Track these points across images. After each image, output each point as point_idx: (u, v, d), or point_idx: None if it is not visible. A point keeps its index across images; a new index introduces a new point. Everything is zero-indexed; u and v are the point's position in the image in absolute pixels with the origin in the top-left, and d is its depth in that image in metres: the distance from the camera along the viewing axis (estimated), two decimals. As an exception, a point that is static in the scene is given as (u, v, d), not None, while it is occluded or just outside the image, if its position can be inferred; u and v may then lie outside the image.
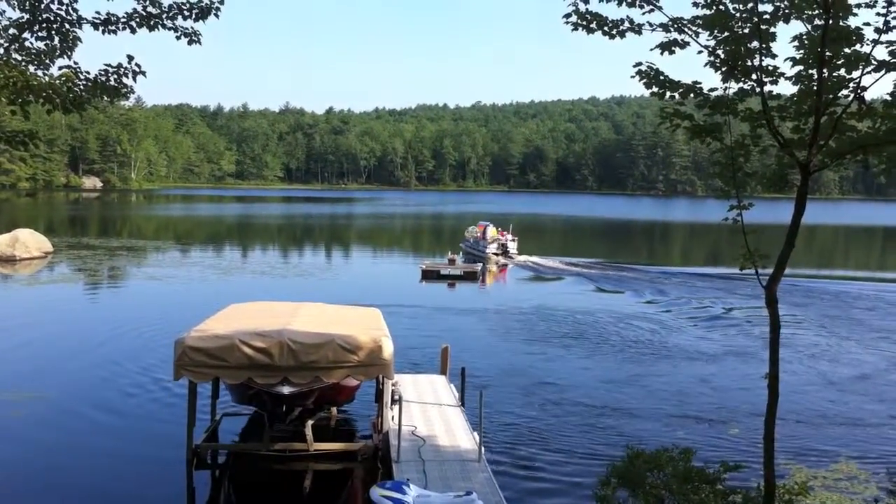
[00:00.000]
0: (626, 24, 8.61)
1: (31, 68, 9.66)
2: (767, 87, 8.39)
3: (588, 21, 8.69)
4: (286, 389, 14.58)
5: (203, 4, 9.97)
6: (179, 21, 9.99)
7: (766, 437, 8.59)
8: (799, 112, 8.45)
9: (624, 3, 8.56)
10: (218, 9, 10.04)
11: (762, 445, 8.67)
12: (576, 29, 8.80)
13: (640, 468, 9.53)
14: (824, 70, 7.91)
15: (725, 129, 8.77)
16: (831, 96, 8.10)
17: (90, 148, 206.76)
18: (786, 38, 8.30)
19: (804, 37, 8.09)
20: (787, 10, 8.03)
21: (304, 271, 48.55)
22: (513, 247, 57.67)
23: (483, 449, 14.79)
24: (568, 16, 8.74)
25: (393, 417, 16.04)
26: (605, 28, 8.66)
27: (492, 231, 58.78)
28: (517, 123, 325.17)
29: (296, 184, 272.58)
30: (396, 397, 16.18)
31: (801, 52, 8.17)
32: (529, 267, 52.29)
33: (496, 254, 56.14)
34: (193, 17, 9.99)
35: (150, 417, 18.36)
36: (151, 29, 9.96)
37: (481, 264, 47.77)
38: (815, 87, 8.06)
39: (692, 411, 19.96)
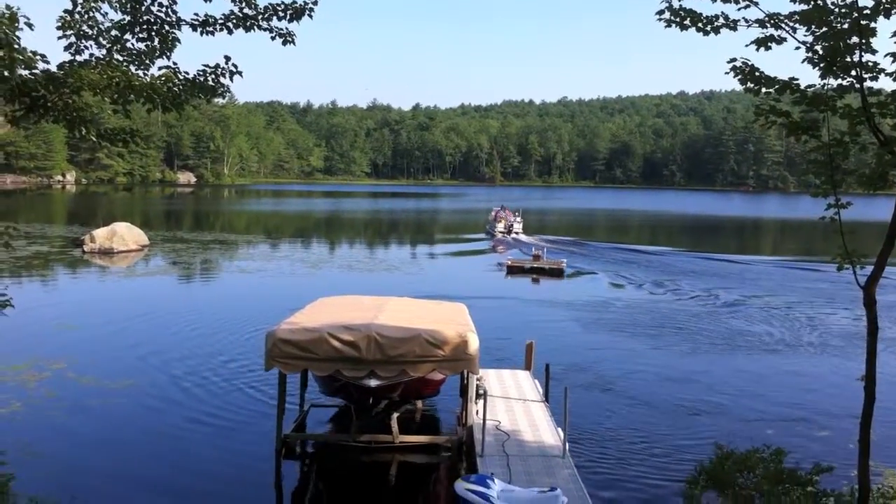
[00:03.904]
0: (721, 21, 8.49)
1: (132, 68, 9.96)
2: (867, 84, 8.19)
3: (682, 18, 8.60)
4: (373, 382, 14.79)
5: (297, 5, 10.16)
6: (274, 22, 10.21)
7: (861, 440, 8.42)
8: (900, 109, 8.23)
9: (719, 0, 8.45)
10: (311, 9, 10.22)
11: (855, 447, 8.49)
12: (669, 26, 8.72)
13: (729, 469, 9.42)
14: (927, 65, 7.69)
15: (823, 126, 8.58)
16: (934, 92, 7.88)
17: (185, 144, 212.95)
18: (886, 33, 8.08)
19: (906, 31, 7.87)
20: (887, 5, 7.82)
21: (391, 265, 49.01)
22: (518, 227, 71.73)
23: (567, 445, 14.77)
24: (661, 13, 8.66)
25: (477, 412, 16.11)
26: (700, 24, 8.56)
27: (503, 214, 74.29)
28: (604, 118, 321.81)
29: (382, 179, 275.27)
30: (481, 392, 16.22)
31: (903, 47, 7.95)
32: (512, 241, 65.28)
33: (502, 232, 70.68)
34: (288, 17, 10.19)
35: (239, 407, 18.76)
36: (248, 30, 10.19)
37: (565, 261, 47.99)
38: (917, 83, 7.84)
39: (780, 410, 19.53)
